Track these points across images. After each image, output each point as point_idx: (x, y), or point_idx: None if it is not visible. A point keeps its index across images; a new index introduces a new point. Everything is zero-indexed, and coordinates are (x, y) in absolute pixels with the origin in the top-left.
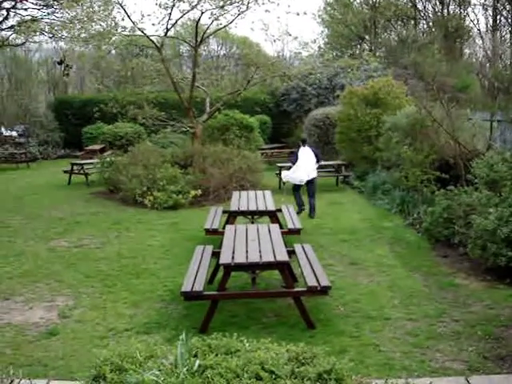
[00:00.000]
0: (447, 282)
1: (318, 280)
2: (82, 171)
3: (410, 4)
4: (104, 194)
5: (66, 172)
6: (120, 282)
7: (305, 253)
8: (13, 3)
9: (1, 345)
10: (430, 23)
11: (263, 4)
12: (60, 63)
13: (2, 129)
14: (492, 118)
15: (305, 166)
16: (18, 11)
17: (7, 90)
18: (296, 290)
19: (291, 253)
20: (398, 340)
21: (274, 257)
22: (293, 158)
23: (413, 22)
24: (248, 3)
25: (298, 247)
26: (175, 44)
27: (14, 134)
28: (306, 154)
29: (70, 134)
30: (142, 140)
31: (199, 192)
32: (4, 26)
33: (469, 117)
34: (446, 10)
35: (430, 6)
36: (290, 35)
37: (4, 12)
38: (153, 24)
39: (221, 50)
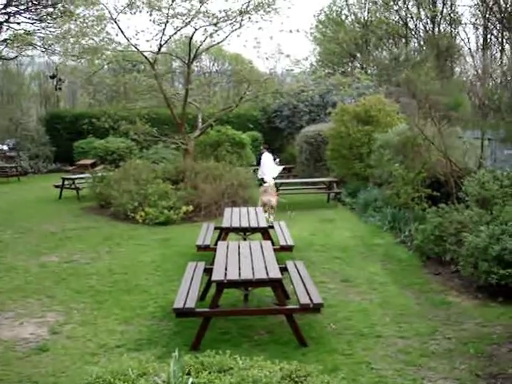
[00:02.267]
0: (439, 300)
1: (310, 297)
2: (73, 186)
3: (402, 22)
4: (95, 209)
5: (56, 186)
6: (111, 298)
7: (297, 270)
8: (6, 17)
9: None
10: (421, 42)
11: (256, 22)
12: (52, 77)
13: None
14: (483, 136)
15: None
16: (10, 25)
17: None
18: (288, 307)
19: (283, 270)
20: (391, 358)
21: (267, 274)
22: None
23: (404, 40)
24: (241, 21)
25: (290, 264)
26: (168, 60)
27: (5, 147)
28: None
29: (62, 149)
30: (133, 155)
31: (191, 208)
32: None
33: (460, 135)
34: (436, 29)
35: (421, 24)
36: (283, 53)
37: None
38: (147, 40)
39: (213, 66)
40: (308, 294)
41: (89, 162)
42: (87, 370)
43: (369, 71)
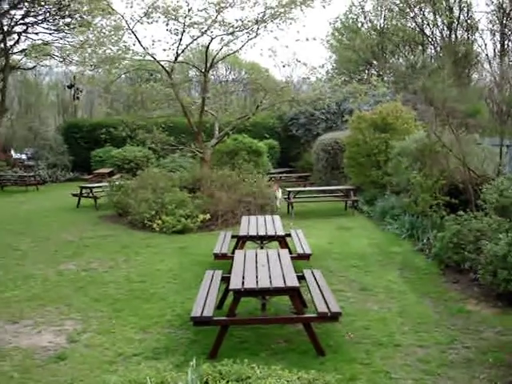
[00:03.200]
0: (458, 309)
1: (328, 306)
2: (90, 194)
3: (418, 29)
4: (112, 217)
5: (74, 195)
6: (129, 307)
7: (314, 278)
8: (24, 27)
9: (9, 368)
10: (438, 48)
11: (272, 31)
12: (70, 87)
13: (12, 152)
14: (501, 143)
15: None
16: (29, 35)
17: (17, 113)
18: (306, 316)
19: (300, 278)
20: (409, 367)
21: (285, 282)
22: None
23: (420, 47)
24: (257, 30)
25: (307, 272)
26: (184, 69)
27: (24, 156)
28: None
29: (79, 158)
30: (150, 164)
31: (208, 216)
32: (15, 50)
33: (478, 142)
34: (453, 36)
35: (437, 31)
36: (299, 61)
37: (15, 36)
38: (164, 49)
39: (229, 74)
40: (326, 302)
41: (106, 170)
42: (105, 378)
43: (385, 78)
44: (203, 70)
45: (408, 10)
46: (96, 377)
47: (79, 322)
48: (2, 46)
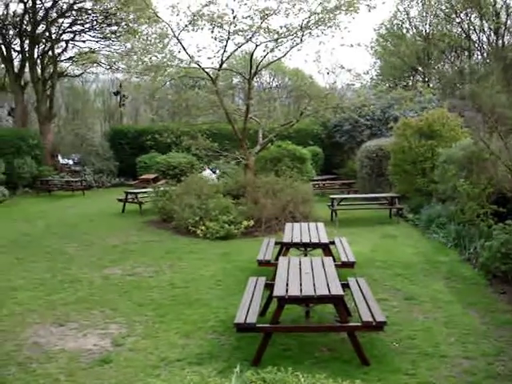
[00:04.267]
0: (505, 320)
1: (373, 315)
2: (135, 200)
3: (464, 35)
4: (157, 222)
5: (120, 200)
6: (172, 312)
7: (359, 287)
8: (71, 35)
9: (55, 371)
10: (485, 54)
11: (317, 37)
12: (116, 94)
13: (59, 157)
14: None
15: None
16: (76, 43)
17: (64, 120)
18: (351, 324)
19: (345, 286)
20: (455, 378)
21: (329, 290)
22: None
23: (467, 53)
24: (302, 36)
25: (351, 281)
26: (228, 76)
27: (70, 162)
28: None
29: (125, 163)
30: (194, 170)
31: (251, 223)
32: (63, 58)
33: None
34: (500, 41)
35: (484, 36)
36: (343, 68)
37: (63, 44)
38: (208, 58)
39: (273, 81)
40: (370, 311)
41: (151, 176)
42: (150, 382)
43: (431, 85)
44: (247, 77)
45: (454, 15)
46: (140, 381)
47: (124, 326)
48: (51, 53)
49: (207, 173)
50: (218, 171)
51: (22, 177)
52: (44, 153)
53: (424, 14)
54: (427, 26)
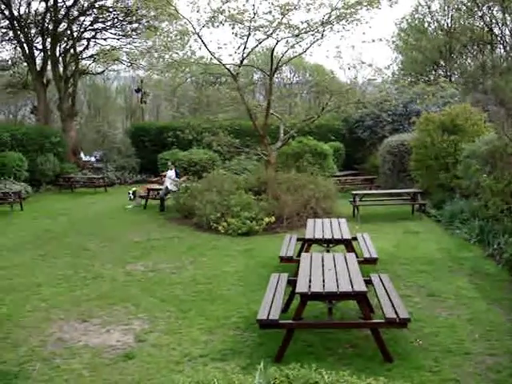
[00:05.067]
0: None
1: (396, 312)
2: (157, 196)
3: (486, 28)
4: (179, 219)
5: (141, 197)
6: (195, 308)
7: (382, 283)
8: (93, 33)
9: (78, 366)
10: (508, 48)
11: (338, 32)
12: (138, 91)
13: (82, 154)
14: None
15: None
16: (97, 41)
17: (86, 117)
18: (374, 321)
19: (367, 282)
20: (479, 376)
21: (352, 287)
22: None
23: (489, 46)
24: (323, 32)
25: (374, 277)
26: (249, 72)
27: (93, 159)
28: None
29: (146, 160)
30: (216, 166)
31: (273, 219)
32: (84, 55)
33: None
34: None
35: (506, 30)
36: (364, 63)
37: (85, 42)
38: (230, 55)
39: (294, 77)
40: (394, 308)
41: None
42: (173, 379)
43: (453, 79)
44: (268, 73)
45: (476, 8)
46: (163, 376)
47: (146, 322)
48: (72, 51)
49: (169, 174)
50: (182, 181)
51: (45, 174)
52: (66, 150)
53: (446, 8)
54: (449, 19)
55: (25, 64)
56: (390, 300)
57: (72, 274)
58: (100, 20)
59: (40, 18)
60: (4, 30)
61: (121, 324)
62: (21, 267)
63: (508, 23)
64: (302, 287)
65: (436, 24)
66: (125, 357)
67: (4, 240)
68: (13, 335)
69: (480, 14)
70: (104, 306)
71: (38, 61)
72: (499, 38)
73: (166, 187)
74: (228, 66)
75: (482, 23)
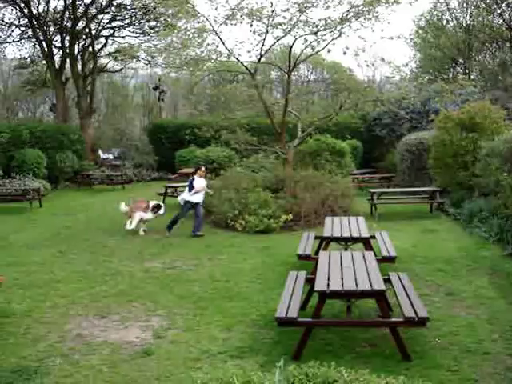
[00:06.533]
0: None
1: (415, 311)
2: (175, 194)
3: (506, 26)
4: None
5: (160, 194)
6: (213, 305)
7: (401, 282)
8: (111, 31)
9: (98, 362)
10: None
11: (357, 30)
12: (155, 89)
13: (100, 151)
14: None
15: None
16: (115, 39)
17: (104, 115)
18: (393, 320)
19: (386, 281)
20: (499, 376)
21: (371, 285)
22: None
23: (508, 44)
24: (341, 29)
25: (393, 276)
26: (266, 69)
27: (111, 156)
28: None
29: (164, 158)
30: (233, 164)
31: (290, 217)
32: (102, 53)
33: None
34: None
35: None
36: (383, 60)
37: (103, 39)
38: (248, 51)
39: (311, 74)
40: (413, 307)
41: (190, 170)
42: (192, 375)
43: (472, 76)
44: (286, 71)
45: (495, 6)
46: (181, 373)
47: (165, 319)
48: (91, 49)
49: (200, 183)
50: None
51: (64, 171)
52: (85, 147)
53: (464, 5)
54: (468, 16)
55: (44, 62)
56: (409, 299)
57: (91, 271)
58: (118, 18)
59: (58, 16)
60: (23, 29)
61: (139, 320)
62: (40, 264)
63: None
64: (320, 285)
65: (455, 21)
66: (143, 353)
67: (23, 237)
68: (32, 331)
69: (499, 11)
70: (122, 302)
71: (57, 59)
72: None
73: (187, 202)
74: (246, 64)
75: (501, 20)
